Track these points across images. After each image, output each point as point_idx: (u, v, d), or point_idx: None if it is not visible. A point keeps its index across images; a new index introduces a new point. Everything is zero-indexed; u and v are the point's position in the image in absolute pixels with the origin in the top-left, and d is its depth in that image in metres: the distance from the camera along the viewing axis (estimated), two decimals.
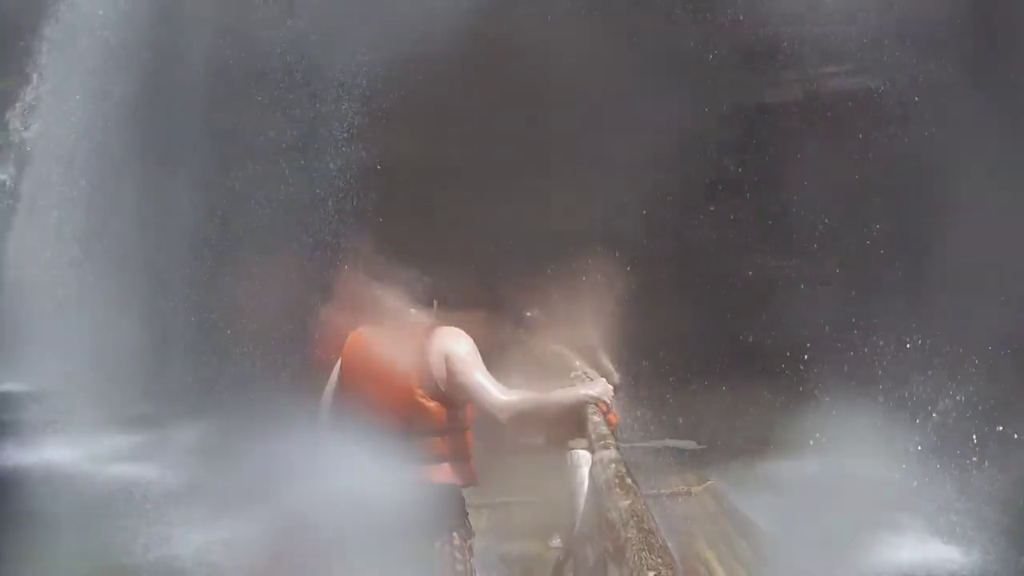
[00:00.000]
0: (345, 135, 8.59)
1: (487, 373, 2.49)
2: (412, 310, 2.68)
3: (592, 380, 3.17)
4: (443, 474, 2.46)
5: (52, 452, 8.11)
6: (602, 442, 2.29)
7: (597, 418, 2.58)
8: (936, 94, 7.17)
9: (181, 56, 9.32)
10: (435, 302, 2.74)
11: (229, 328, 8.51)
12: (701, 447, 6.72)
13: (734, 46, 7.79)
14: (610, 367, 4.57)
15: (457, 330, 2.56)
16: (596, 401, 2.60)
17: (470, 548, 2.51)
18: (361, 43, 8.29)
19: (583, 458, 2.24)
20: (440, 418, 2.45)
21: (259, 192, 8.97)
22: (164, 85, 9.46)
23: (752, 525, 5.08)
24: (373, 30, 8.13)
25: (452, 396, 2.46)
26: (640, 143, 7.01)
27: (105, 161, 10.08)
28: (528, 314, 4.51)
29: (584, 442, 2.31)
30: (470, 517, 2.60)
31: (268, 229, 8.86)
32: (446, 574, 2.39)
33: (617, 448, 2.23)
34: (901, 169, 6.88)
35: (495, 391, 2.45)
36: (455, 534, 2.46)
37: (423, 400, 2.44)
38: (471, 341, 2.54)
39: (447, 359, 2.45)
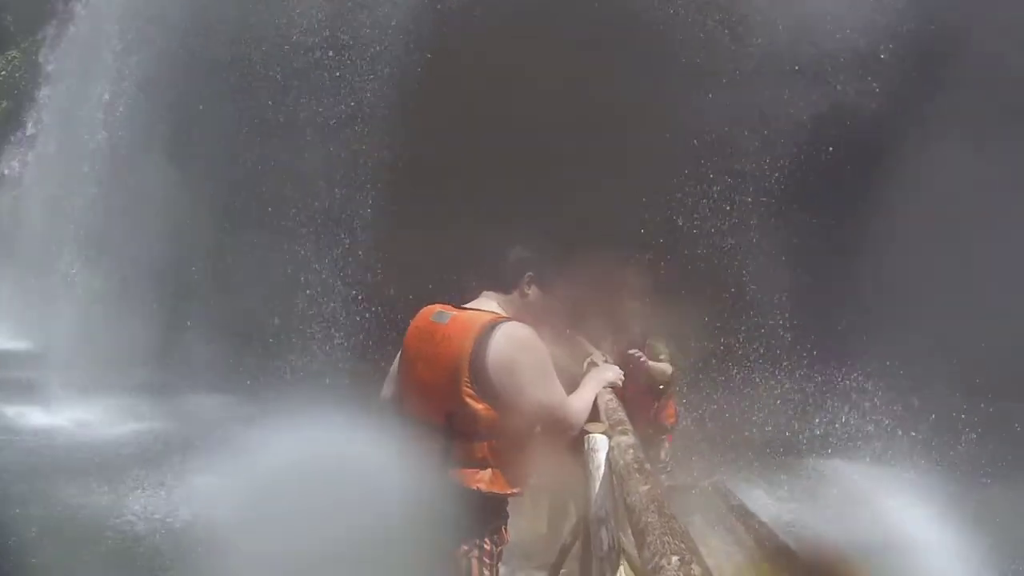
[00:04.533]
0: (377, 111, 8.47)
1: (555, 381, 2.32)
2: (487, 292, 2.46)
3: (605, 365, 3.14)
4: (482, 481, 2.24)
5: (58, 412, 8.17)
6: (620, 427, 2.27)
7: (613, 404, 2.56)
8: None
9: (204, 29, 9.25)
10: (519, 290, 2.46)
11: (249, 302, 8.46)
12: None
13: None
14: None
15: (526, 330, 2.31)
16: (614, 385, 2.59)
17: (499, 554, 2.34)
18: (392, 16, 8.17)
19: (600, 443, 2.21)
20: (488, 422, 2.22)
21: (281, 166, 8.89)
22: (184, 58, 9.39)
23: (755, 517, 5.05)
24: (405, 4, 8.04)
25: (511, 405, 2.23)
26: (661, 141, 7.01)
27: (124, 126, 10.04)
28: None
29: (601, 426, 2.28)
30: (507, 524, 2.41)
31: (290, 202, 8.79)
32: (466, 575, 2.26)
33: (633, 434, 2.22)
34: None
35: (567, 403, 2.34)
36: (486, 540, 2.30)
37: (470, 400, 2.21)
38: (539, 342, 2.31)
39: (513, 368, 2.22)
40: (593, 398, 2.50)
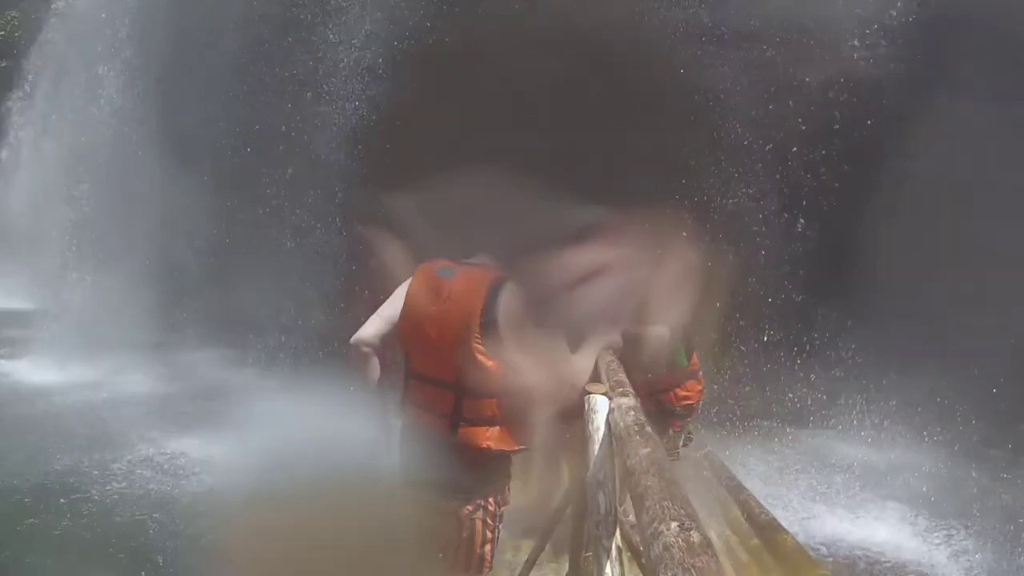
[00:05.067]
0: (372, 72, 8.30)
1: (559, 340, 2.33)
2: (480, 248, 2.44)
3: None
4: (490, 439, 2.25)
5: (59, 368, 8.17)
6: (620, 389, 2.21)
7: (614, 365, 2.50)
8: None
9: None
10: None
11: (243, 262, 8.40)
12: None
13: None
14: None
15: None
16: (615, 348, 2.53)
17: (501, 515, 2.36)
18: None
19: (600, 404, 2.15)
20: (497, 379, 2.23)
21: (275, 128, 8.77)
22: (182, 20, 9.22)
23: (746, 491, 5.05)
24: None
25: (519, 361, 2.23)
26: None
27: (120, 93, 9.93)
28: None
29: (602, 387, 2.22)
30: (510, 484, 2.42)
31: (286, 164, 8.69)
32: (469, 537, 2.28)
33: (635, 396, 2.15)
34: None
35: (569, 361, 2.34)
36: (491, 499, 2.32)
37: (481, 357, 2.21)
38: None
39: (521, 325, 2.24)
40: (594, 358, 2.47)
